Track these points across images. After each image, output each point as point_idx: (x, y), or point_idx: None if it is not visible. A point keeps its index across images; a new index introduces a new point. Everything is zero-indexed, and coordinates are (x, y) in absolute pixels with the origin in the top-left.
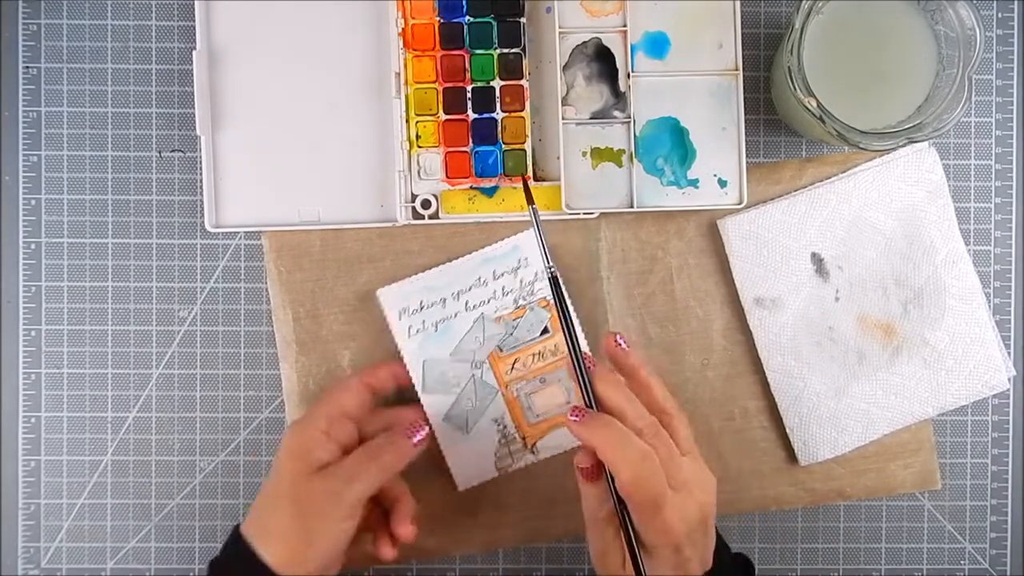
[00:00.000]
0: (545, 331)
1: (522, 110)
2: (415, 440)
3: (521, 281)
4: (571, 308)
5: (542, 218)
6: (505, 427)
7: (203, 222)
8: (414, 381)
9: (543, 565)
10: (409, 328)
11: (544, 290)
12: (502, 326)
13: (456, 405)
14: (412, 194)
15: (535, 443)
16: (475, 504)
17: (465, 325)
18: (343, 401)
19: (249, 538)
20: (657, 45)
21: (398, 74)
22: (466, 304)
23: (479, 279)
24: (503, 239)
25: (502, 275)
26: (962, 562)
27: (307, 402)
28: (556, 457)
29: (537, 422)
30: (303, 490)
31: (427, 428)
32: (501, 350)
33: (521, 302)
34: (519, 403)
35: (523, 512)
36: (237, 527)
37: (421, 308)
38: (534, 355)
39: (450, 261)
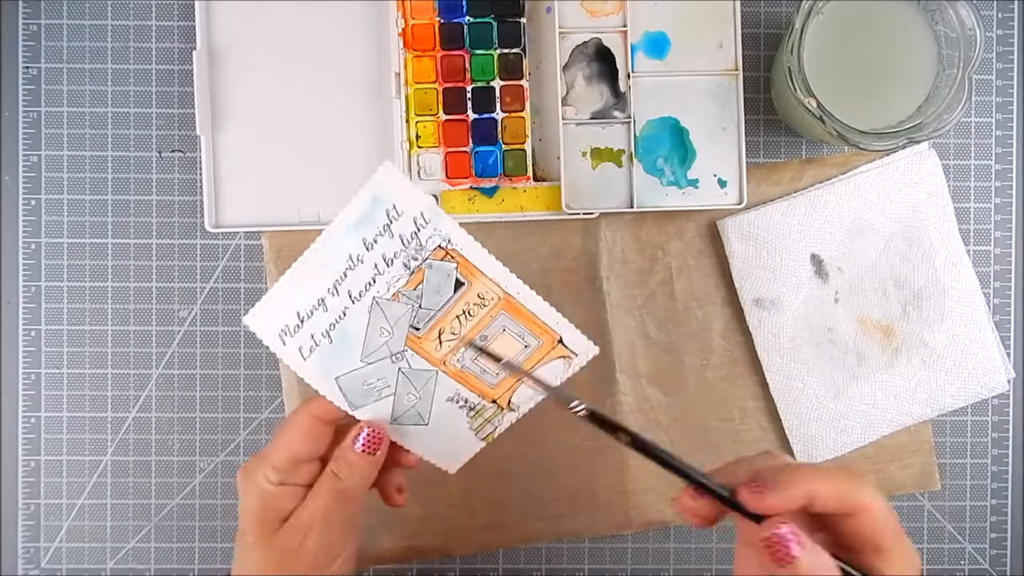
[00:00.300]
0: (459, 284)
1: (522, 110)
2: (358, 447)
3: (402, 238)
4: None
5: (542, 218)
6: (466, 400)
7: (203, 222)
8: (336, 403)
9: (543, 565)
10: (299, 350)
11: (436, 238)
12: (403, 302)
13: (397, 406)
14: None
15: (509, 400)
16: (475, 504)
17: (361, 320)
18: (292, 446)
19: None
20: (657, 45)
21: (398, 74)
22: (349, 294)
23: (351, 257)
24: (356, 194)
25: (375, 241)
26: (962, 562)
27: None
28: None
29: (500, 380)
30: (277, 547)
31: (368, 429)
32: (417, 329)
33: (414, 264)
34: (469, 372)
35: (523, 512)
36: None
37: (302, 322)
38: (459, 317)
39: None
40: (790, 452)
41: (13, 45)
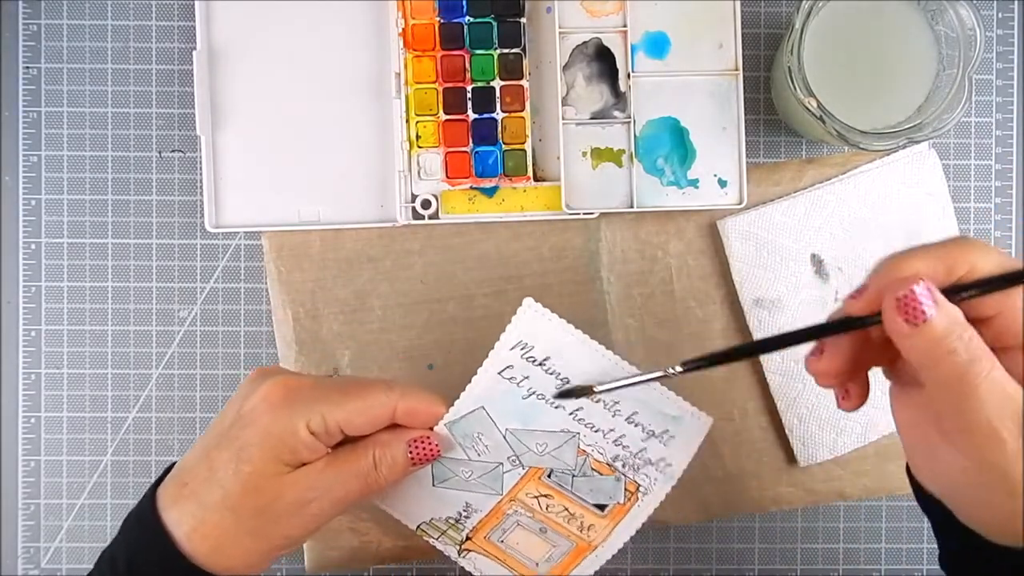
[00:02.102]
0: (601, 507)
1: (522, 110)
2: (411, 453)
3: (643, 450)
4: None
5: (542, 218)
6: (467, 516)
7: (203, 222)
8: (449, 411)
9: None
10: (506, 367)
11: (640, 478)
12: (578, 462)
13: (454, 464)
14: (412, 194)
15: (470, 552)
16: None
17: (553, 424)
18: (356, 424)
19: (167, 514)
20: (657, 45)
21: (398, 74)
22: (576, 413)
23: (614, 405)
24: (677, 398)
25: (635, 425)
26: None
27: None
28: None
29: (494, 543)
30: (270, 489)
31: (428, 440)
32: (548, 475)
33: (618, 464)
34: (501, 517)
35: None
36: (154, 492)
37: (541, 363)
38: (566, 510)
39: (625, 361)
40: (790, 452)
41: (13, 45)
